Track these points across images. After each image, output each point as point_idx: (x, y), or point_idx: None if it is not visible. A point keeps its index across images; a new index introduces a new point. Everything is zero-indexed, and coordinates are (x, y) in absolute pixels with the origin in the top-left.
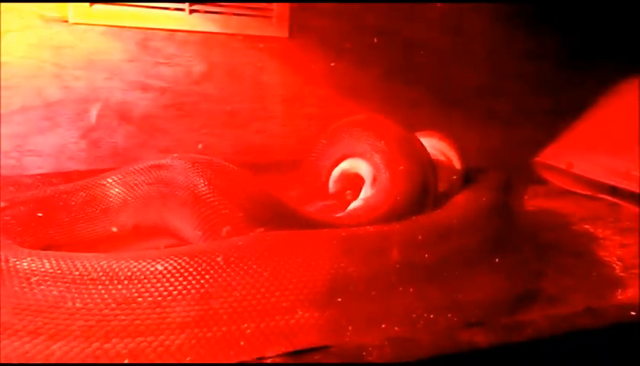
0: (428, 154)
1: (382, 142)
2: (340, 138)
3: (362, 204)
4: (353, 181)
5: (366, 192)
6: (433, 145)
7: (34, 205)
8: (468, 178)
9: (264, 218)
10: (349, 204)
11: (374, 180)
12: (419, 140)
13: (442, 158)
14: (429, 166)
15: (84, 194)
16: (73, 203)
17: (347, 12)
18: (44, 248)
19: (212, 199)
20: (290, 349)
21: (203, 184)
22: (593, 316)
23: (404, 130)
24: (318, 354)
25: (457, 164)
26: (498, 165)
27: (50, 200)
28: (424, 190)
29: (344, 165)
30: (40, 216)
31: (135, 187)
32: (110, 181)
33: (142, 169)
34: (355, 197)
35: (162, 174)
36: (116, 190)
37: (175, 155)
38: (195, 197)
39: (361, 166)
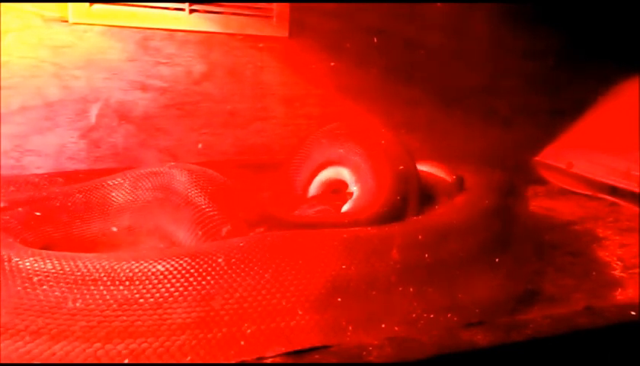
0: (410, 155)
1: (363, 147)
2: (320, 146)
3: (352, 205)
4: (336, 188)
5: (351, 196)
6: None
7: (33, 205)
8: (467, 181)
9: (256, 222)
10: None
11: (358, 184)
12: (400, 143)
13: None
14: (410, 166)
15: (82, 196)
16: (71, 204)
17: (347, 12)
18: (43, 247)
19: (206, 205)
20: (290, 349)
21: (198, 191)
22: (593, 316)
23: (384, 132)
24: (318, 354)
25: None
26: (498, 164)
27: (49, 200)
28: (406, 188)
29: (327, 173)
30: (38, 216)
31: (131, 192)
32: (108, 184)
33: (139, 175)
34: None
35: (159, 181)
36: (113, 193)
37: (172, 163)
38: (190, 202)
39: (343, 172)
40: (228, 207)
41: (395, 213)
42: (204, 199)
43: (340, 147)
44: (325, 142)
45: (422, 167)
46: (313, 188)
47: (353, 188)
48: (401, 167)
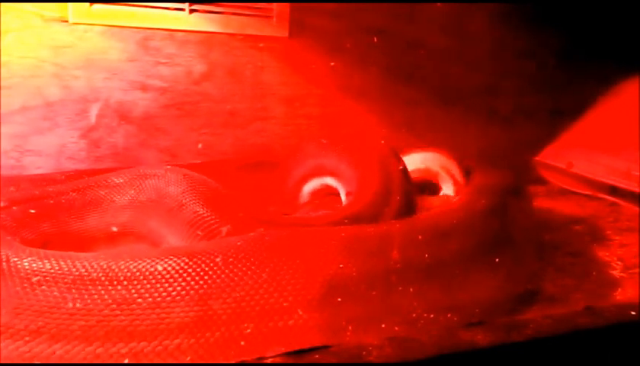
0: (398, 163)
1: (352, 160)
2: (312, 156)
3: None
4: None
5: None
6: (431, 158)
7: (30, 204)
8: (470, 176)
9: (254, 224)
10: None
11: (347, 194)
12: (389, 152)
13: (438, 169)
14: (396, 168)
15: (76, 194)
16: (65, 202)
17: (347, 12)
18: (42, 245)
19: (204, 207)
20: (290, 349)
21: (195, 194)
22: (593, 316)
23: (369, 138)
24: (318, 354)
25: (456, 172)
26: (498, 164)
27: (43, 198)
28: (391, 189)
29: (319, 182)
30: (35, 214)
31: (125, 192)
32: (103, 184)
33: (134, 176)
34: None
35: (153, 183)
36: (108, 193)
37: (168, 166)
38: (187, 205)
39: (333, 183)
40: (226, 209)
41: (377, 211)
42: (202, 201)
43: (326, 158)
44: (311, 154)
45: (423, 154)
46: (304, 196)
47: (342, 194)
48: (386, 169)
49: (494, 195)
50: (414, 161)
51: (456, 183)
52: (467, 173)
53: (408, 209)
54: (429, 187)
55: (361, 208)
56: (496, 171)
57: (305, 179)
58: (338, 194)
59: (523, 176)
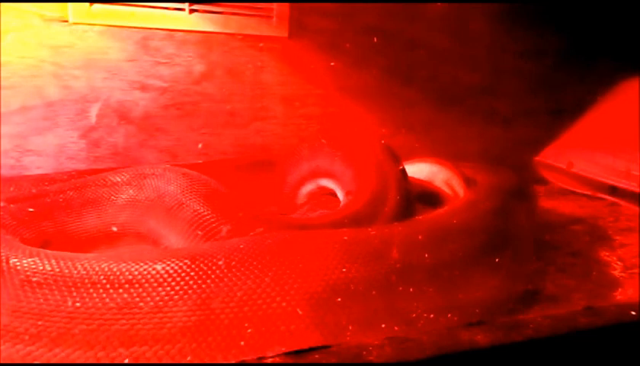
0: (396, 164)
1: (351, 160)
2: (310, 157)
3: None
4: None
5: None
6: (433, 171)
7: (29, 202)
8: (474, 180)
9: (254, 224)
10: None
11: (347, 193)
12: (388, 153)
13: (439, 182)
14: (394, 169)
15: (74, 193)
16: (66, 201)
17: (347, 12)
18: (42, 243)
19: (204, 207)
20: (290, 349)
21: (195, 193)
22: (593, 315)
23: (372, 143)
24: (318, 354)
25: (458, 185)
26: (498, 164)
27: (45, 197)
28: (387, 193)
29: (316, 183)
30: (35, 213)
31: (125, 191)
32: (102, 183)
33: (133, 175)
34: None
35: (152, 182)
36: (107, 192)
37: (167, 165)
38: (188, 204)
39: (330, 184)
40: (226, 208)
41: (375, 211)
42: (202, 200)
43: (325, 157)
44: (310, 155)
45: (426, 166)
46: (302, 196)
47: (341, 194)
48: (384, 169)
49: (496, 195)
50: (415, 172)
51: (457, 197)
52: (469, 182)
53: (407, 209)
54: (429, 199)
55: (360, 208)
56: (501, 171)
57: (303, 180)
58: (335, 195)
59: (523, 176)
